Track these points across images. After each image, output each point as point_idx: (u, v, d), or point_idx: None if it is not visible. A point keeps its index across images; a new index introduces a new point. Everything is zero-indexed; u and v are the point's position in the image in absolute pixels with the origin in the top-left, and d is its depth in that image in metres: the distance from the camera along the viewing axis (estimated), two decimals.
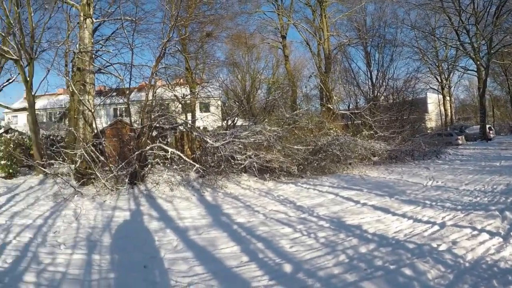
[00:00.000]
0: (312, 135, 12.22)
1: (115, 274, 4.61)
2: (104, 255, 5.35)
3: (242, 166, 10.42)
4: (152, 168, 11.22)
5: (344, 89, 22.96)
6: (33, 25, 15.37)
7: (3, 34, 14.88)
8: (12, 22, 14.36)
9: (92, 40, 12.36)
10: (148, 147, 10.46)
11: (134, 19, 12.62)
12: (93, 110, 11.49)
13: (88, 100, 11.43)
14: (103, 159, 10.14)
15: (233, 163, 10.39)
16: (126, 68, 12.50)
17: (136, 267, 4.75)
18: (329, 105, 16.30)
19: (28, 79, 14.69)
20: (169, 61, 15.38)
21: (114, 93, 16.61)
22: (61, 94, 37.59)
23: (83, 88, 11.53)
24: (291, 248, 4.99)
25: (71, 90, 15.97)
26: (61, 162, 11.40)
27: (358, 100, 22.23)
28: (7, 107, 17.87)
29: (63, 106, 29.99)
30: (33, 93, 14.88)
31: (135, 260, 5.01)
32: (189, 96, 14.74)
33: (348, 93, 22.66)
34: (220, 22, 16.66)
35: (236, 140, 10.12)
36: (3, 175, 14.88)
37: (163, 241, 5.78)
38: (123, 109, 31.11)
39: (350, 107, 22.54)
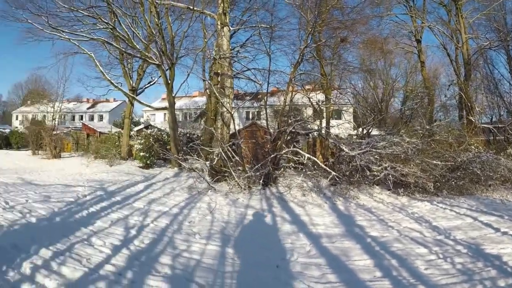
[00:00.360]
0: (451, 150, 11.49)
1: (247, 269, 4.85)
2: (237, 249, 5.66)
3: (378, 178, 10.15)
4: (283, 172, 11.59)
5: (486, 99, 20.95)
6: (173, 34, 17.35)
7: (146, 43, 17.08)
8: (153, 31, 16.42)
9: (229, 47, 13.41)
10: (284, 151, 10.83)
11: (270, 26, 13.34)
12: (232, 112, 12.40)
13: (227, 103, 12.38)
14: (237, 158, 10.85)
15: (368, 174, 10.19)
16: (261, 73, 13.23)
17: (267, 266, 4.97)
18: (471, 117, 15.09)
19: (169, 81, 16.62)
20: (304, 67, 15.87)
21: (247, 97, 17.79)
22: (196, 96, 41.59)
23: (223, 91, 12.54)
24: (426, 270, 4.84)
25: (208, 93, 17.65)
26: (196, 158, 12.49)
27: (502, 113, 20.05)
28: (150, 106, 20.45)
29: (200, 107, 32.80)
30: (173, 95, 16.79)
31: (267, 258, 5.24)
32: (323, 102, 14.95)
33: (490, 103, 20.63)
34: (353, 27, 16.54)
35: (373, 150, 9.94)
36: (141, 165, 17.22)
37: (296, 245, 5.92)
38: (255, 112, 32.99)
39: (493, 119, 20.53)
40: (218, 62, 13.02)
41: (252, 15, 17.25)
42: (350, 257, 5.32)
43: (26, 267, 4.75)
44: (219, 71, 14.54)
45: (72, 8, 16.39)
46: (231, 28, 13.95)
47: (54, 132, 25.08)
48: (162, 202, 9.52)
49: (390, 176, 9.75)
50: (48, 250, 5.38)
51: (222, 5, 13.25)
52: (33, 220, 7.27)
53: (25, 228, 6.80)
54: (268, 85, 12.60)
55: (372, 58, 25.50)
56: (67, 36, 17.30)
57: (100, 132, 26.75)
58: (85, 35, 17.34)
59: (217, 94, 12.49)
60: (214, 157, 11.64)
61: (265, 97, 13.14)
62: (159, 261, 5.06)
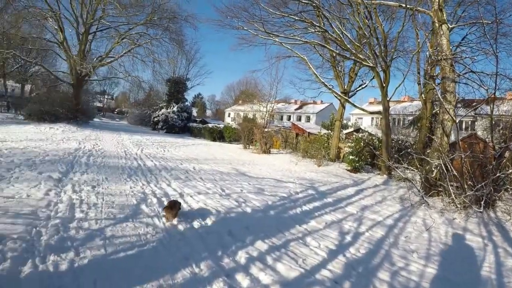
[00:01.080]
0: None
1: None
2: (458, 279, 5.66)
3: None
4: (502, 194, 10.99)
5: None
6: (385, 35, 18.44)
7: (358, 45, 18.65)
8: (365, 33, 17.89)
9: (450, 47, 13.32)
10: (510, 171, 10.28)
11: (495, 20, 12.74)
12: (457, 121, 12.40)
13: (450, 109, 12.33)
14: (455, 173, 10.84)
15: None
16: (478, 76, 12.67)
17: None
18: None
19: (383, 85, 17.91)
20: None
21: (459, 104, 17.44)
22: (405, 101, 42.49)
23: (445, 97, 12.55)
24: None
25: (424, 98, 18.29)
26: (411, 168, 12.99)
27: None
28: (363, 110, 22.28)
29: (411, 113, 33.26)
30: (388, 99, 18.03)
31: None
32: None
33: None
34: None
35: None
36: (349, 168, 18.97)
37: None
38: (469, 122, 31.77)
39: None
40: (442, 64, 12.99)
41: (466, 10, 16.69)
42: None
43: (241, 257, 5.52)
44: (434, 74, 14.85)
45: (283, 14, 19.34)
46: (450, 26, 13.66)
47: (265, 129, 29.34)
48: (375, 210, 10.20)
49: None
50: (263, 243, 6.19)
51: (437, 0, 13.13)
52: (248, 210, 8.55)
53: (241, 217, 7.96)
54: (495, 90, 11.85)
55: None
56: (279, 41, 20.44)
57: (309, 133, 29.49)
58: (298, 38, 20.15)
59: (441, 100, 12.53)
60: (433, 168, 11.78)
61: (491, 105, 12.46)
62: (377, 276, 5.39)
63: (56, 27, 34.82)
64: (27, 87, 60.31)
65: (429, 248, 7.08)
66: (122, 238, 5.79)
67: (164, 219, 7.05)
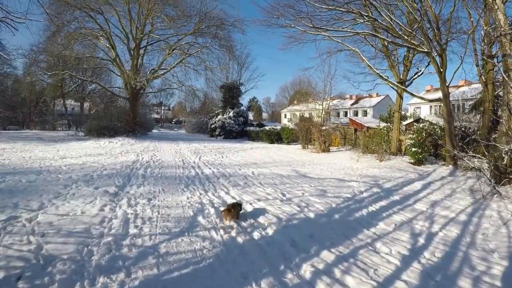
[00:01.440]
0: None
1: None
2: None
3: None
4: None
5: None
6: (436, 17, 17.78)
7: (410, 30, 18.12)
8: (416, 17, 17.34)
9: (507, 22, 12.68)
10: None
11: None
12: None
13: None
14: None
15: None
16: None
17: None
18: None
19: (441, 70, 17.32)
20: None
21: None
22: (463, 86, 41.98)
23: (508, 75, 11.87)
24: None
25: (484, 80, 17.53)
26: (478, 156, 12.48)
27: None
28: (422, 98, 21.69)
29: (473, 97, 31.99)
30: (447, 84, 17.42)
31: None
32: None
33: None
34: None
35: None
36: (412, 161, 18.52)
37: None
38: None
39: None
40: (501, 41, 12.36)
41: None
42: None
43: (306, 270, 5.19)
44: (492, 53, 14.17)
45: (330, 7, 19.17)
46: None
47: (323, 128, 29.25)
48: (445, 205, 9.60)
49: None
50: (330, 253, 5.84)
51: None
52: (311, 215, 8.22)
53: (304, 223, 7.62)
54: None
55: None
56: (328, 35, 20.38)
57: (367, 127, 29.02)
58: (349, 30, 19.96)
59: (505, 78, 11.91)
60: (503, 155, 11.15)
61: None
62: (457, 284, 4.95)
63: (107, 45, 37.52)
64: (86, 105, 65.34)
65: (510, 246, 6.46)
66: (177, 255, 5.68)
67: (221, 231, 6.96)
